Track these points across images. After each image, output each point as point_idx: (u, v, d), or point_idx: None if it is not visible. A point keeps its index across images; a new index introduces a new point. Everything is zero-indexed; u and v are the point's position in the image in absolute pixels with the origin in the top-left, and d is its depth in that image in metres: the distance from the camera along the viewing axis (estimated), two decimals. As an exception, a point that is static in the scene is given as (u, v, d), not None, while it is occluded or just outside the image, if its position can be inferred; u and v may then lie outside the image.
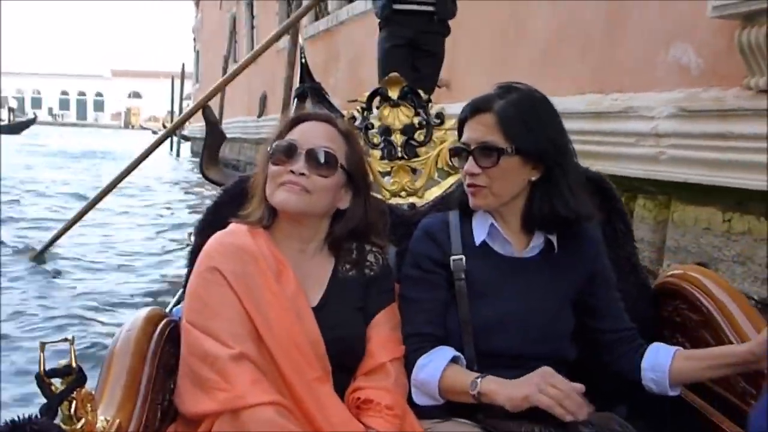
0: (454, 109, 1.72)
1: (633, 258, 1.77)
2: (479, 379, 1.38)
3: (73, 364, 1.05)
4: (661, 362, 1.48)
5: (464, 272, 1.49)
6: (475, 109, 1.49)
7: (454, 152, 1.56)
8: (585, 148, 3.29)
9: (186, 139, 23.32)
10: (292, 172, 1.43)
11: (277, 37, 4.31)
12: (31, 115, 45.03)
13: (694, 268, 1.77)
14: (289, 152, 1.45)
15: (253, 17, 15.77)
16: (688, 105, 3.60)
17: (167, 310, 1.70)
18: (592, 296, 1.55)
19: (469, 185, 1.49)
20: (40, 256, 6.14)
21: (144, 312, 1.50)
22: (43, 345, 1.11)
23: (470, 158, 1.47)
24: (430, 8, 4.44)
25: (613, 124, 4.06)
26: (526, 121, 1.46)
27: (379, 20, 4.61)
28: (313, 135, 1.48)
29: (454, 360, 1.44)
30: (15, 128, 31.76)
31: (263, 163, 1.50)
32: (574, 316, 1.54)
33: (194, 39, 26.85)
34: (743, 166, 3.28)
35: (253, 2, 15.72)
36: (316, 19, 10.92)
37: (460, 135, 1.54)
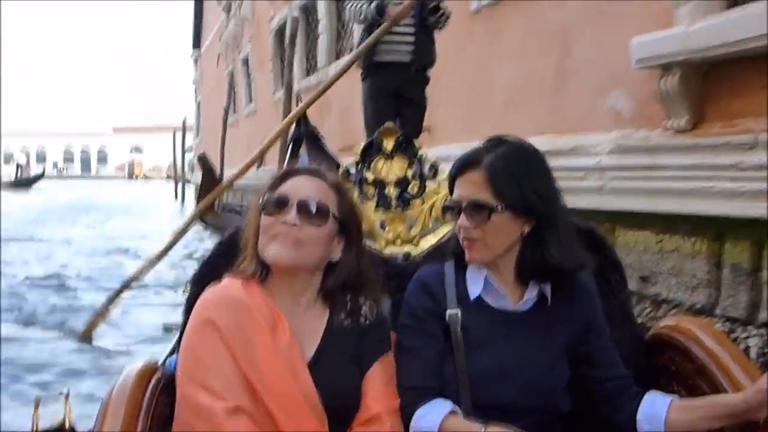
0: (436, 151, 2.10)
1: (626, 307, 1.77)
2: (483, 428, 1.40)
3: (67, 424, 1.03)
4: (656, 413, 1.47)
5: (460, 325, 1.49)
6: (465, 165, 1.51)
7: (447, 209, 1.56)
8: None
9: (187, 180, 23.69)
10: (285, 223, 1.44)
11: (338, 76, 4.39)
12: (37, 171, 45.77)
13: (686, 319, 1.79)
14: (281, 203, 1.46)
15: (249, 74, 16.48)
16: (623, 143, 4.20)
17: (161, 360, 1.72)
18: (586, 346, 1.54)
19: (464, 239, 1.50)
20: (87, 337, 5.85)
21: (137, 365, 1.49)
22: (38, 400, 1.18)
23: (462, 214, 1.48)
24: (406, 58, 4.46)
25: (566, 160, 4.64)
26: (515, 175, 1.47)
27: (361, 72, 4.68)
28: (304, 188, 1.49)
29: (453, 412, 1.44)
30: (24, 183, 32.39)
31: (254, 217, 1.51)
32: (570, 366, 1.54)
33: (195, 91, 27.76)
34: (669, 193, 3.85)
35: (249, 60, 16.44)
36: (308, 74, 11.64)
37: (451, 191, 1.55)
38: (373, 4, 4.26)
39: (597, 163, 4.35)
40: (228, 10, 18.44)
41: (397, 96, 4.50)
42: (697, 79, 3.75)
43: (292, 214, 1.44)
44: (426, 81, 4.64)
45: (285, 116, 9.20)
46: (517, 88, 5.54)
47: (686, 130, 3.83)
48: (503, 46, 5.77)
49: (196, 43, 25.99)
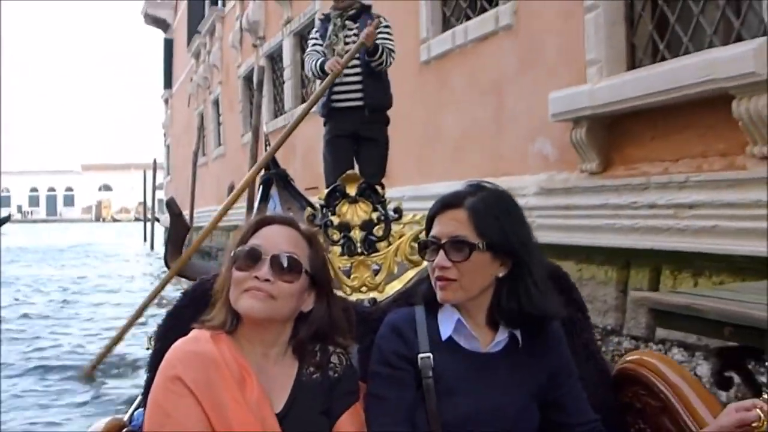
0: (392, 193, 2.10)
1: (591, 345, 1.78)
2: None
3: None
4: None
5: (432, 370, 1.48)
6: (447, 204, 1.51)
7: (423, 245, 1.55)
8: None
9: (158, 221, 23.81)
10: (257, 278, 1.43)
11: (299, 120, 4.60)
12: (2, 214, 45.48)
13: (650, 353, 1.80)
14: (254, 258, 1.45)
15: (219, 115, 16.94)
16: (546, 185, 4.80)
17: (126, 416, 1.73)
18: (556, 390, 1.54)
19: (438, 278, 1.49)
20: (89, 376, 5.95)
21: (102, 423, 1.47)
22: None
23: (441, 252, 1.47)
24: (359, 103, 4.59)
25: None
26: (497, 218, 1.48)
27: (322, 117, 4.82)
28: (276, 240, 1.48)
29: None
30: (-12, 227, 32.17)
31: (227, 267, 1.49)
32: (540, 411, 1.53)
33: (164, 134, 28.11)
34: (583, 229, 4.45)
35: (219, 101, 16.96)
36: (276, 116, 12.21)
37: (428, 230, 1.55)
38: (318, 62, 4.53)
39: (525, 203, 4.93)
40: (197, 56, 18.97)
41: (356, 137, 4.63)
42: (602, 130, 4.38)
43: (264, 270, 1.43)
44: (384, 120, 4.74)
45: (252, 158, 9.77)
46: (462, 135, 6.16)
47: (597, 172, 4.45)
48: (449, 96, 6.39)
49: (168, 83, 26.42)
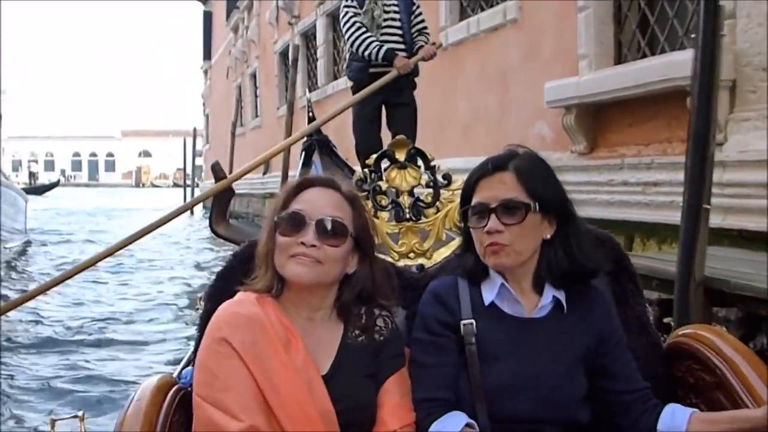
0: None
1: (643, 317, 1.75)
2: None
3: None
4: (677, 425, 1.44)
5: (474, 337, 1.46)
6: (494, 167, 1.47)
7: (474, 212, 1.48)
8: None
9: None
10: (303, 243, 1.42)
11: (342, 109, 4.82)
12: (51, 179, 47.25)
13: (704, 327, 1.76)
14: (298, 223, 1.44)
15: (256, 88, 17.76)
16: (543, 163, 5.48)
17: (176, 374, 1.72)
18: (603, 357, 1.50)
19: (491, 245, 1.45)
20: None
21: (154, 380, 1.49)
22: (53, 421, 1.24)
23: (492, 216, 1.43)
24: None
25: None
26: (543, 177, 1.48)
27: (352, 85, 4.94)
28: (320, 204, 1.47)
29: (469, 426, 1.41)
30: (38, 191, 33.60)
31: (270, 232, 1.48)
32: (587, 378, 1.49)
33: (203, 104, 29.04)
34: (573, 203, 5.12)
35: (256, 75, 17.75)
36: (310, 91, 12.93)
37: (466, 198, 1.52)
38: (383, 49, 4.65)
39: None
40: (235, 30, 19.75)
41: (387, 105, 4.84)
42: (589, 117, 5.03)
43: (309, 235, 1.42)
44: (414, 86, 4.97)
45: (288, 131, 10.50)
46: (472, 117, 6.85)
47: (585, 153, 5.11)
48: (463, 82, 7.06)
49: (207, 55, 27.26)
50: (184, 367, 1.82)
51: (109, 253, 3.90)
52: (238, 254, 1.72)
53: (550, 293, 1.49)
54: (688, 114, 4.10)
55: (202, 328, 1.55)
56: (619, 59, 5.04)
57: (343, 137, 10.54)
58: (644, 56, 4.80)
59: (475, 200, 1.48)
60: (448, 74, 7.27)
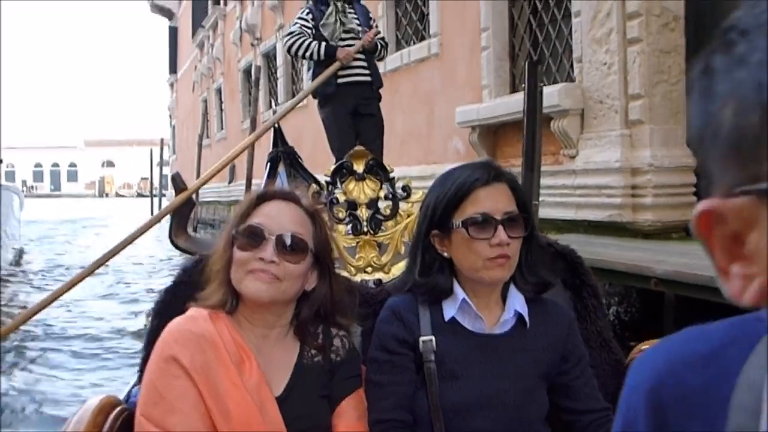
0: None
1: (604, 333, 1.72)
2: None
3: None
4: None
5: (434, 353, 1.41)
6: (495, 176, 1.43)
7: (474, 222, 1.39)
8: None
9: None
10: (261, 259, 1.36)
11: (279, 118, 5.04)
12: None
13: None
14: (256, 238, 1.38)
15: (221, 102, 18.81)
16: (456, 171, 6.78)
17: (124, 393, 1.66)
18: (565, 375, 1.47)
19: (499, 257, 1.39)
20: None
21: (95, 401, 1.41)
22: None
23: (500, 228, 1.38)
24: (368, 78, 4.97)
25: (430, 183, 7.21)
26: (524, 192, 1.49)
27: (318, 99, 5.01)
28: (280, 218, 1.41)
29: None
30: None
31: (226, 245, 1.42)
32: (548, 396, 1.46)
33: (170, 116, 29.92)
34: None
35: (221, 90, 18.77)
36: (270, 107, 14.12)
37: (452, 208, 1.42)
38: (323, 47, 4.80)
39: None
40: (201, 47, 20.81)
41: (356, 114, 4.93)
42: (489, 135, 6.34)
43: (269, 251, 1.37)
44: (380, 97, 5.19)
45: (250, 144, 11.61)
46: (406, 132, 8.13)
47: (488, 164, 6.40)
48: (399, 102, 8.35)
49: (173, 68, 28.16)
50: (133, 386, 1.72)
51: (86, 274, 3.79)
52: (187, 269, 1.66)
53: (511, 309, 1.46)
54: (551, 134, 5.45)
55: (148, 345, 1.50)
56: (514, 89, 6.36)
57: (299, 148, 11.80)
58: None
59: (472, 210, 1.41)
60: (388, 95, 8.50)
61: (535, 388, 1.45)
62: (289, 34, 4.98)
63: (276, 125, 4.67)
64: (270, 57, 14.30)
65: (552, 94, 5.31)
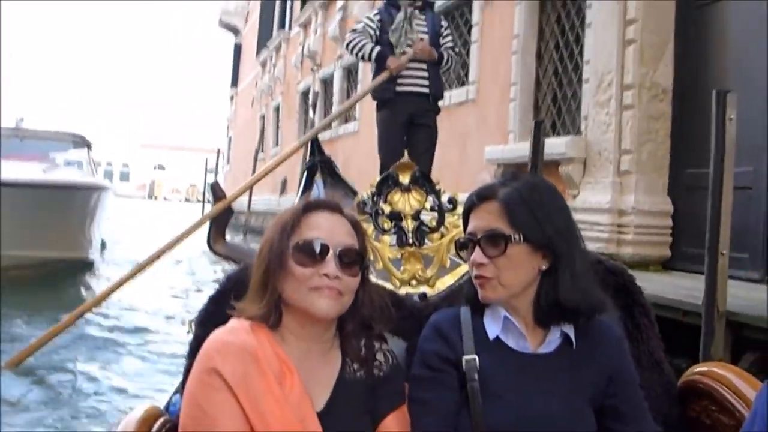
0: None
1: (656, 353, 1.68)
2: None
3: None
4: None
5: (477, 373, 1.39)
6: (480, 198, 1.46)
7: (461, 244, 1.49)
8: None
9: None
10: (326, 275, 1.36)
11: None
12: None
13: (721, 365, 1.66)
14: (319, 253, 1.38)
15: (278, 120, 20.00)
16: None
17: (165, 403, 1.69)
18: (613, 397, 1.42)
19: (476, 277, 1.42)
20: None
21: (138, 412, 1.43)
22: None
23: (476, 248, 1.41)
24: (425, 90, 4.99)
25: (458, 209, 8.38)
26: (531, 207, 1.42)
27: (377, 101, 5.01)
28: (336, 231, 1.43)
29: None
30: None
31: (276, 258, 1.40)
32: (596, 419, 1.41)
33: (227, 127, 31.51)
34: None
35: (279, 108, 19.96)
36: (324, 130, 15.41)
37: (465, 227, 1.49)
38: (376, 51, 4.85)
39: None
40: (263, 65, 22.29)
41: (411, 124, 4.99)
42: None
43: (331, 267, 1.37)
44: (437, 110, 5.23)
45: (303, 159, 12.72)
46: (442, 164, 9.22)
47: (508, 196, 7.52)
48: (439, 136, 9.52)
49: (234, 82, 29.74)
50: (173, 395, 1.68)
51: (131, 275, 4.07)
52: (232, 277, 1.65)
53: (557, 329, 1.43)
54: (559, 177, 6.56)
55: (191, 356, 1.49)
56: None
57: (348, 168, 13.02)
58: (557, 135, 7.26)
59: (467, 230, 1.47)
60: (429, 130, 9.78)
61: (582, 410, 1.41)
62: (352, 31, 5.06)
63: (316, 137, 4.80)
64: (327, 82, 15.57)
65: (561, 144, 6.44)
